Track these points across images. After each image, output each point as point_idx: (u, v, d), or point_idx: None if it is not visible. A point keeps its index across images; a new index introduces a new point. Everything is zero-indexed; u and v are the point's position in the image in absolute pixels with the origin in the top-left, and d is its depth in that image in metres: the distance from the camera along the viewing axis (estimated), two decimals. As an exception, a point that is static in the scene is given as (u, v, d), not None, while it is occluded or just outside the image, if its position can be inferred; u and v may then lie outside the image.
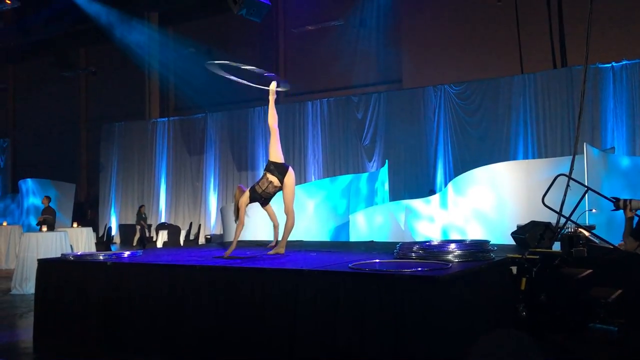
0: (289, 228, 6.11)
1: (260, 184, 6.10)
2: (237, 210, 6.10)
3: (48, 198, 13.86)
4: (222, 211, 13.24)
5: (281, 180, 6.08)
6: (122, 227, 19.72)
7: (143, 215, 17.66)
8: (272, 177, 6.07)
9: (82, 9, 18.23)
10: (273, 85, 6.54)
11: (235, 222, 6.14)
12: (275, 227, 6.48)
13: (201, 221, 18.33)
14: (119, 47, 19.50)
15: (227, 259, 5.62)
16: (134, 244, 16.57)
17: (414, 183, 14.62)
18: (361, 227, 10.39)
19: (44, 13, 18.97)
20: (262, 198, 6.17)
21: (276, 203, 6.35)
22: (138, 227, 17.44)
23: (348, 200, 11.65)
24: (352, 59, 17.23)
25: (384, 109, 15.46)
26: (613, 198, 5.95)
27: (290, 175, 6.14)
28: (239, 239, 6.11)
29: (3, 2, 16.66)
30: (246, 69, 6.67)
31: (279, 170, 6.09)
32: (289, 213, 6.08)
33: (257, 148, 17.62)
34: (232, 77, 6.82)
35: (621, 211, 5.98)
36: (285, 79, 7.08)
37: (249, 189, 6.16)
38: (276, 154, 6.18)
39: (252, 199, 6.13)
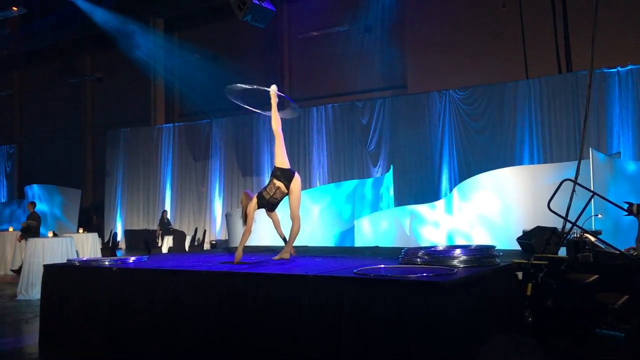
0: (294, 233, 6.09)
1: (267, 190, 6.09)
2: (245, 217, 6.09)
3: (33, 204, 13.93)
4: (227, 217, 13.25)
5: (287, 186, 6.07)
6: (127, 233, 19.76)
7: (165, 221, 17.34)
8: (279, 183, 6.06)
9: (88, 16, 18.34)
10: (274, 88, 6.51)
11: (244, 227, 6.13)
12: (282, 237, 6.45)
13: (206, 227, 18.33)
14: (124, 53, 19.59)
15: (233, 264, 5.63)
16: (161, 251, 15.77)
17: (419, 188, 14.59)
18: (366, 232, 10.38)
19: (50, 20, 19.09)
20: (270, 204, 6.16)
21: (282, 209, 6.35)
22: (159, 233, 16.85)
23: (353, 206, 11.65)
24: (356, 65, 17.24)
25: (388, 114, 15.45)
26: (626, 202, 5.92)
27: (297, 180, 6.13)
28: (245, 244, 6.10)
29: (9, 9, 16.77)
30: (258, 89, 6.61)
31: (285, 175, 6.08)
32: (295, 218, 6.06)
33: (262, 154, 17.64)
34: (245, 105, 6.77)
35: (631, 217, 5.96)
36: (293, 103, 6.98)
37: (256, 195, 6.15)
38: (282, 160, 6.16)
39: (259, 205, 6.12)
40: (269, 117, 6.47)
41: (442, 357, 3.81)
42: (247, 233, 6.02)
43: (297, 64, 18.92)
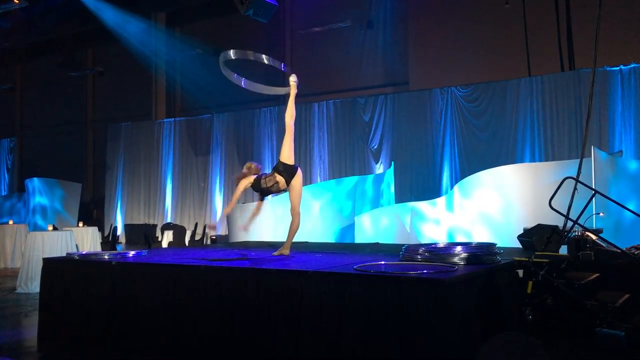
0: (294, 229, 6.07)
1: (267, 179, 6.03)
2: (236, 184, 6.08)
3: None
4: (227, 212, 13.24)
5: (288, 182, 6.03)
6: (127, 227, 19.75)
7: None
8: (279, 178, 6.01)
9: (89, 10, 18.30)
10: (294, 78, 6.38)
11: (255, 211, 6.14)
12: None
13: (207, 222, 18.32)
14: (126, 47, 19.55)
15: (231, 261, 5.61)
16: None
17: (420, 185, 14.57)
18: (367, 228, 10.36)
19: (52, 13, 19.04)
20: (263, 193, 6.11)
21: (283, 206, 6.32)
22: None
23: (354, 202, 11.63)
24: (358, 61, 17.20)
25: (390, 110, 15.42)
26: None
27: (298, 176, 6.08)
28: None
29: (11, 2, 16.73)
30: (258, 58, 6.40)
31: (288, 172, 6.02)
32: (295, 214, 6.04)
33: (263, 149, 17.59)
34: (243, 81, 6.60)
35: (632, 215, 5.95)
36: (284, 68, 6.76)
37: (256, 176, 6.08)
38: (287, 154, 6.05)
39: (253, 188, 6.08)
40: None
41: (443, 354, 3.80)
42: (231, 204, 6.12)
43: (299, 59, 18.86)
